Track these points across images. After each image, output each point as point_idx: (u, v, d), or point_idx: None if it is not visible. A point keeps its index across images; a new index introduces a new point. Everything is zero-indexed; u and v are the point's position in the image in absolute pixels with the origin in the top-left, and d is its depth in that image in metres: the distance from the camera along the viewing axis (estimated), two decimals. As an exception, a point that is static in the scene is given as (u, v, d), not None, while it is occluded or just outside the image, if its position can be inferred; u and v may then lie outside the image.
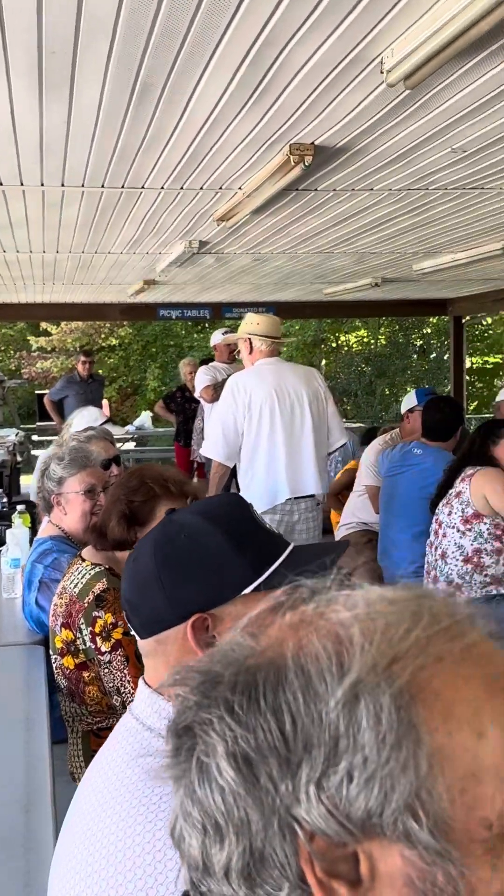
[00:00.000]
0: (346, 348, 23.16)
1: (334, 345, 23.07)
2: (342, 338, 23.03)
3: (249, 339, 5.54)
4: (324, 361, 22.74)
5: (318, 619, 0.72)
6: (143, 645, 1.51)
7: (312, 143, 3.61)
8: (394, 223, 5.58)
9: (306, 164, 3.67)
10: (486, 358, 22.05)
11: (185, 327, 22.25)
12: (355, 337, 23.00)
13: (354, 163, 3.97)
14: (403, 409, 6.38)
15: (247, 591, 1.43)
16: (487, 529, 4.54)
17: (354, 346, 23.09)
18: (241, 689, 0.69)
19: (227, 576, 1.43)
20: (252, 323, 5.60)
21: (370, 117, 3.31)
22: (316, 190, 4.50)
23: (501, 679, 0.69)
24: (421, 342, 22.98)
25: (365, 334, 22.90)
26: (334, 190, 4.53)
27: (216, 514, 1.52)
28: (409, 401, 6.36)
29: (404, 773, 0.64)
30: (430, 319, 20.92)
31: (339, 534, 6.47)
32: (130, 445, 14.81)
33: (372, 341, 22.92)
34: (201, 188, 4.44)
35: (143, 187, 4.39)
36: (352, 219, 5.36)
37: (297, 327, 20.97)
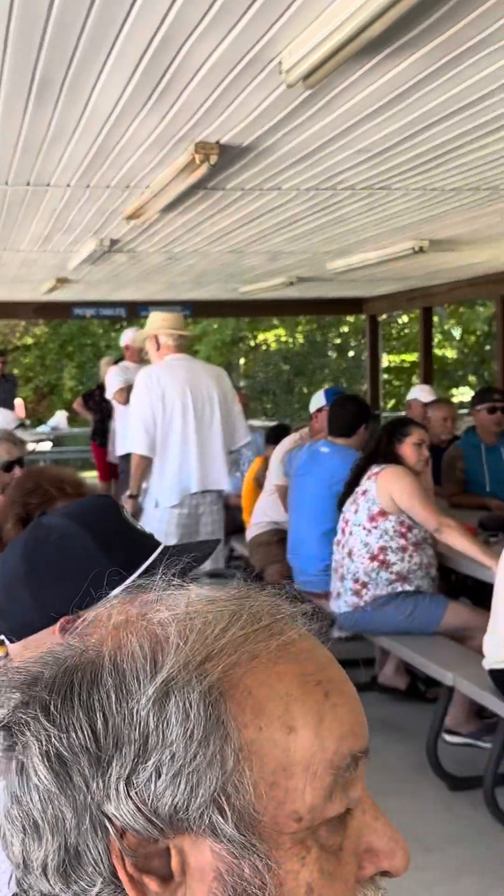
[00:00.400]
0: (264, 347, 23.21)
1: (252, 343, 23.11)
2: (260, 336, 23.07)
3: (155, 336, 5.57)
4: (242, 360, 22.76)
5: (140, 619, 0.73)
6: (12, 649, 1.50)
7: (217, 141, 3.60)
8: (304, 222, 5.61)
9: (212, 162, 3.66)
10: (402, 356, 22.26)
11: (102, 326, 22.07)
12: (273, 335, 23.07)
13: (261, 162, 3.98)
14: (312, 409, 6.43)
15: (115, 592, 1.42)
16: (393, 527, 4.59)
17: (273, 344, 23.15)
18: (58, 689, 0.70)
19: (95, 578, 1.42)
20: (156, 320, 5.71)
21: (273, 117, 3.31)
22: (224, 189, 4.50)
23: (316, 675, 0.70)
24: (339, 341, 23.13)
25: (283, 333, 22.97)
26: (242, 189, 4.53)
27: (85, 516, 1.52)
28: (317, 400, 6.41)
29: (210, 768, 0.65)
30: (348, 318, 21.07)
31: (249, 533, 6.50)
32: (47, 446, 14.63)
33: (290, 340, 23.01)
34: (108, 186, 4.40)
35: (48, 185, 4.34)
36: (262, 218, 5.38)
37: (215, 326, 20.95)
